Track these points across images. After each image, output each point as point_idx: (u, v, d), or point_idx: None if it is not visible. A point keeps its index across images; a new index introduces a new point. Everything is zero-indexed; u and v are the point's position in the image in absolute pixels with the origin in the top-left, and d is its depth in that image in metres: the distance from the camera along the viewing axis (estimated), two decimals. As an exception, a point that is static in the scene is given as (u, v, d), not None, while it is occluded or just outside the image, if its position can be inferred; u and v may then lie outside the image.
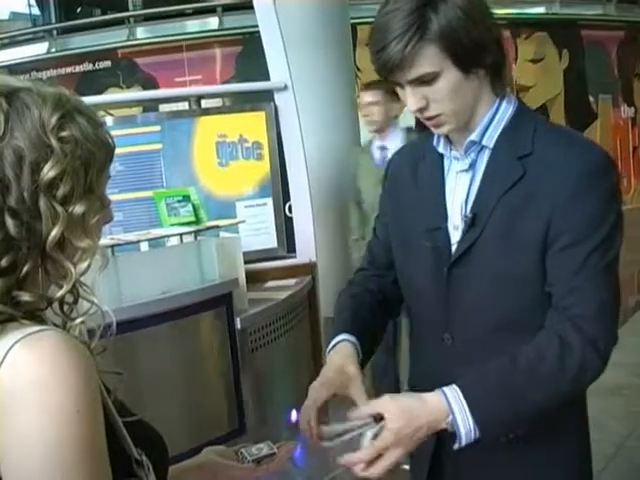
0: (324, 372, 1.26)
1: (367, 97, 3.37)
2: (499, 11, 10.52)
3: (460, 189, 1.27)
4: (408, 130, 3.37)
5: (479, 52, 1.16)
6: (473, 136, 1.24)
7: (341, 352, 1.29)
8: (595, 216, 1.15)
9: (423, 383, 1.23)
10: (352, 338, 1.30)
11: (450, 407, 1.11)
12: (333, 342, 1.31)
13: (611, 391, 3.82)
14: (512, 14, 10.76)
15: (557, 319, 1.16)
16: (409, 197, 1.35)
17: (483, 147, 1.24)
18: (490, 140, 1.23)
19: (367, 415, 1.13)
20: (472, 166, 1.25)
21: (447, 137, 1.28)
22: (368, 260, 1.49)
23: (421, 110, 1.20)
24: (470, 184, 1.25)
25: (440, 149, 1.29)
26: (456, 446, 1.12)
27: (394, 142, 3.27)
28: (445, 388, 1.13)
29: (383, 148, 3.37)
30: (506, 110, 1.24)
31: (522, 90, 10.47)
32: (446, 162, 1.30)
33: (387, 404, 1.14)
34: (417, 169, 1.35)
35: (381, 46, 1.14)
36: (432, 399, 1.13)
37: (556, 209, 1.16)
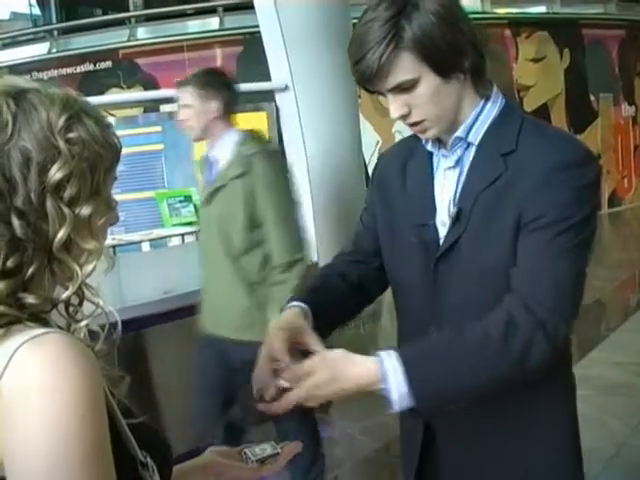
0: (271, 330, 1.22)
1: (179, 98, 2.57)
2: (500, 10, 10.52)
3: (448, 186, 1.28)
4: (246, 135, 2.55)
5: (455, 56, 1.17)
6: (459, 132, 1.25)
7: (286, 313, 1.26)
8: (567, 205, 1.15)
9: None
10: (303, 305, 1.28)
11: (384, 372, 1.10)
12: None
13: (612, 390, 3.82)
14: (513, 13, 10.75)
15: (510, 299, 1.16)
16: (397, 195, 1.36)
17: (469, 144, 1.26)
18: (476, 137, 1.25)
19: (298, 375, 1.12)
20: (458, 163, 1.27)
21: None
22: (351, 249, 1.48)
23: (404, 117, 1.21)
24: (458, 180, 1.27)
25: (429, 147, 1.31)
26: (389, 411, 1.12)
27: (223, 152, 2.53)
28: (382, 353, 1.12)
29: (209, 160, 2.61)
30: (491, 109, 1.25)
31: (523, 89, 10.46)
32: (435, 160, 1.32)
33: (315, 360, 1.13)
34: (406, 168, 1.36)
35: (359, 57, 1.16)
36: (364, 364, 1.12)
37: (528, 196, 1.16)
